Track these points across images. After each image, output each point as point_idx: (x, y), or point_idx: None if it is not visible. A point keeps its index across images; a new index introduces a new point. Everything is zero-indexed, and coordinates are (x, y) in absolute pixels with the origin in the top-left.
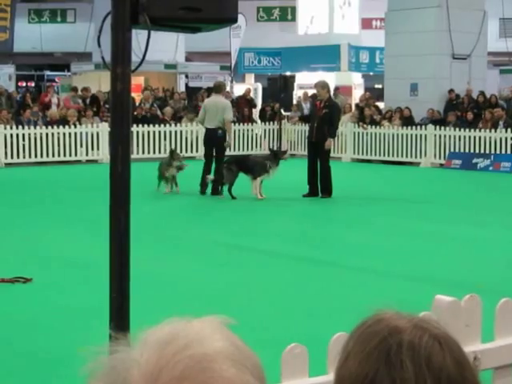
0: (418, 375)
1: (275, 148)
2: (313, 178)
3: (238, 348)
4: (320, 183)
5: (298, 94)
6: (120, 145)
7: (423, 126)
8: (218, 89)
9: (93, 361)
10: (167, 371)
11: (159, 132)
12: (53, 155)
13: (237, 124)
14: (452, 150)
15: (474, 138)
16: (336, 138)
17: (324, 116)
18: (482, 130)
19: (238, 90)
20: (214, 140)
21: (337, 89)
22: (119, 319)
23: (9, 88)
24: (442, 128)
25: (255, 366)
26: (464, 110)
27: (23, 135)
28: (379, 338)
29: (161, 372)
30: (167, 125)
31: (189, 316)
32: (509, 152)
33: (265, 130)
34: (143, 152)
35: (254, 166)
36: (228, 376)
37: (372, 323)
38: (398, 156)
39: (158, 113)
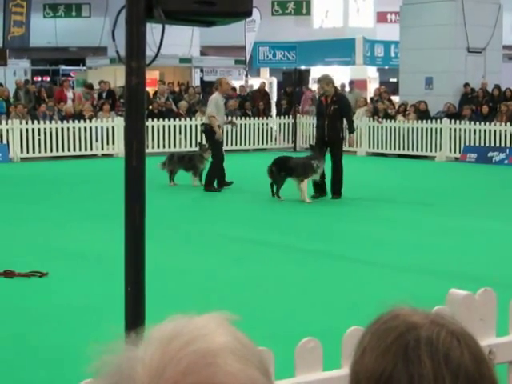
0: (437, 371)
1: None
2: (323, 178)
3: (242, 343)
4: (332, 184)
5: (313, 87)
6: (135, 139)
7: (438, 120)
8: (215, 86)
9: (98, 360)
10: (171, 367)
11: (174, 126)
12: (68, 150)
13: (252, 118)
14: (467, 143)
15: (490, 131)
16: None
17: (334, 112)
18: (498, 123)
19: (253, 84)
20: (204, 135)
21: (352, 83)
22: (134, 313)
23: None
24: (457, 122)
25: (260, 361)
26: (479, 104)
27: (39, 130)
28: (396, 334)
29: (165, 368)
30: (182, 119)
31: (193, 313)
32: None
33: (280, 124)
34: (158, 146)
35: (298, 167)
36: (232, 371)
37: (388, 319)
38: (413, 150)
39: (173, 107)
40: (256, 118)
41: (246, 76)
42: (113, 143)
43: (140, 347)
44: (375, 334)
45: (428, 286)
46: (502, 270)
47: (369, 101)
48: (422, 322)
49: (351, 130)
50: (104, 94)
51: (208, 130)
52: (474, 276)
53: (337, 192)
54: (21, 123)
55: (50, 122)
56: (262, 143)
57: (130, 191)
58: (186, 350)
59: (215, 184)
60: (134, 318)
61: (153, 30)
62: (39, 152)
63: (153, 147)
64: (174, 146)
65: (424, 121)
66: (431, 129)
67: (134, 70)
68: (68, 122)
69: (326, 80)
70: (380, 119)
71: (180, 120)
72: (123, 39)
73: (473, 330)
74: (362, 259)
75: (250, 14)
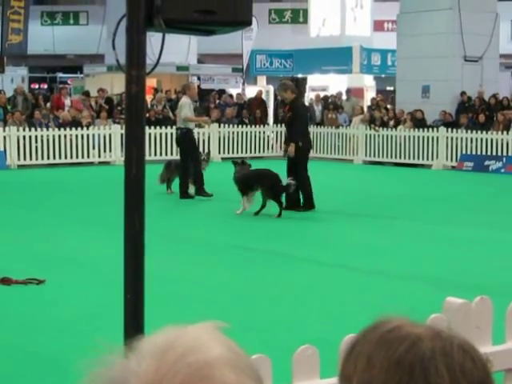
0: (453, 381)
1: None
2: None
3: (235, 352)
4: (302, 195)
5: (309, 96)
6: (134, 147)
7: (435, 128)
8: (182, 90)
9: (90, 373)
10: (168, 380)
11: (171, 134)
12: (65, 157)
13: (249, 126)
14: (464, 152)
15: (486, 140)
16: (348, 140)
17: (289, 120)
18: (494, 132)
19: (250, 92)
20: (177, 141)
21: (349, 91)
22: (134, 320)
23: None
24: (454, 130)
25: (251, 369)
26: (476, 112)
27: (36, 137)
28: (409, 343)
29: (162, 381)
30: None
31: (184, 322)
32: None
33: (277, 132)
34: (155, 154)
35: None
36: (229, 382)
37: (392, 328)
38: (409, 158)
39: (170, 115)
40: (253, 126)
41: (243, 84)
42: (110, 151)
43: (132, 359)
44: (380, 342)
45: (425, 294)
46: (498, 278)
47: (365, 109)
48: (427, 333)
49: (293, 139)
50: (102, 102)
51: (184, 134)
52: (471, 284)
53: (305, 204)
54: (18, 130)
55: (47, 130)
56: (259, 151)
57: (129, 198)
58: (181, 362)
59: (192, 189)
60: (134, 325)
61: (151, 39)
62: (36, 159)
63: (150, 155)
64: (171, 153)
65: (421, 129)
66: (428, 137)
67: (134, 78)
68: (65, 129)
69: (283, 86)
70: (377, 127)
71: None
72: (123, 47)
73: (469, 337)
74: (358, 267)
75: (249, 23)
